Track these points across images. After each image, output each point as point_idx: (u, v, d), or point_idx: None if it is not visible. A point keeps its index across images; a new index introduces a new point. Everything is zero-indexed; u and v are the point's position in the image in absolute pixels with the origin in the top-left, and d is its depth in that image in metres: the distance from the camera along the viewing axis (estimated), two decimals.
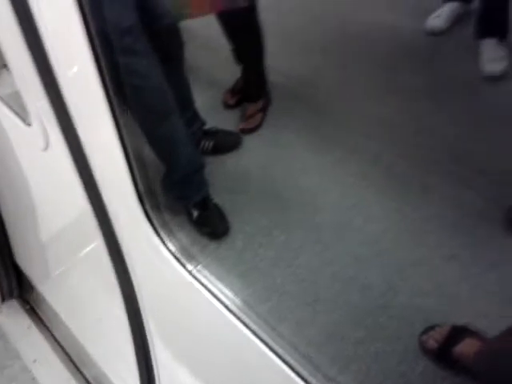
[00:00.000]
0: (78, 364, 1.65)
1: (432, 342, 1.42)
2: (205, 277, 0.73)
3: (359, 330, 1.51)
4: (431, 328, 1.44)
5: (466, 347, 1.35)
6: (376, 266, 1.65)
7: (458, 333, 1.39)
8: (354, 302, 1.57)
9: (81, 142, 0.77)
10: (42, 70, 0.72)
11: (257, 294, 1.58)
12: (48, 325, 1.77)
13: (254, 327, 0.69)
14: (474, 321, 1.43)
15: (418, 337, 1.44)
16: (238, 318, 0.70)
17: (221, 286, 0.72)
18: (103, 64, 0.64)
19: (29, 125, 0.94)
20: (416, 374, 1.41)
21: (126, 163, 0.72)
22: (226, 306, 0.71)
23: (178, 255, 0.75)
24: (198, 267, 0.74)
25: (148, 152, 1.67)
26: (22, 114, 0.98)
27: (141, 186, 0.74)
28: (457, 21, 2.38)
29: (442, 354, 1.39)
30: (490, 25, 2.18)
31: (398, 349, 1.46)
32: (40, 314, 1.81)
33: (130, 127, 0.74)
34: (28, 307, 1.83)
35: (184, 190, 1.78)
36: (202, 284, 0.73)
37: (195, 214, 1.78)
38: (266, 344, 0.69)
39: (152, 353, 1.13)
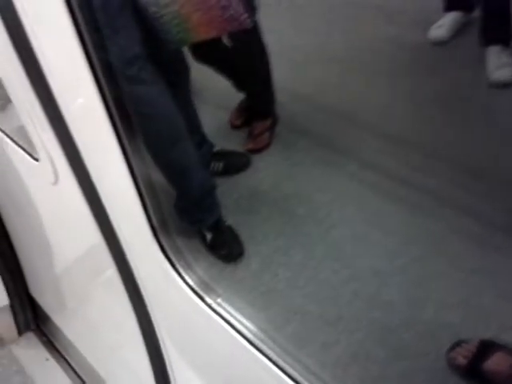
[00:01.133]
0: None
1: (461, 359, 1.37)
2: (224, 309, 0.71)
3: (385, 348, 1.47)
4: (458, 344, 1.40)
5: (496, 363, 1.31)
6: (397, 281, 1.61)
7: (487, 348, 1.34)
8: (378, 319, 1.53)
9: (90, 174, 0.75)
10: (46, 104, 0.70)
11: (278, 317, 1.55)
12: (66, 356, 1.75)
13: (276, 359, 0.66)
14: (500, 333, 1.39)
15: (445, 353, 1.40)
16: (260, 351, 0.67)
17: (241, 318, 0.69)
18: (108, 94, 0.62)
19: (37, 160, 0.93)
20: None
21: (137, 195, 0.70)
22: (248, 339, 0.68)
23: (196, 288, 0.72)
24: (218, 300, 0.72)
25: (157, 178, 1.65)
26: (29, 149, 0.97)
27: (154, 218, 0.72)
28: (460, 30, 2.36)
29: (472, 371, 1.35)
30: (493, 32, 2.16)
31: (426, 366, 1.41)
32: (57, 345, 1.79)
33: (140, 156, 0.72)
34: (45, 339, 1.81)
35: (197, 213, 1.76)
36: (222, 317, 0.70)
37: (209, 237, 1.76)
38: (289, 376, 0.66)
39: (173, 382, 1.10)
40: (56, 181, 0.92)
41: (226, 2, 1.40)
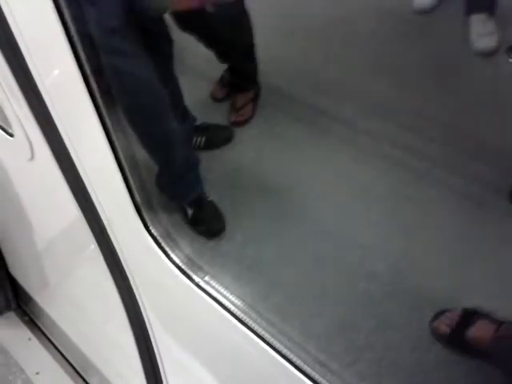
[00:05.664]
0: (82, 373, 1.62)
1: (444, 327, 1.39)
2: (212, 287, 0.69)
3: (369, 319, 1.48)
4: (442, 313, 1.42)
5: (478, 330, 1.33)
6: (381, 252, 1.62)
7: (470, 316, 1.36)
8: (362, 290, 1.55)
9: (67, 149, 0.72)
10: (20, 78, 0.66)
11: (263, 290, 1.55)
12: (49, 335, 1.73)
13: (264, 334, 0.65)
14: (484, 302, 1.41)
15: (429, 322, 1.41)
16: (247, 326, 0.66)
17: (228, 294, 0.68)
18: (86, 66, 0.59)
19: (12, 135, 0.89)
20: (430, 360, 1.39)
21: (118, 170, 0.67)
22: (235, 315, 0.67)
23: (183, 267, 0.71)
24: (206, 278, 0.70)
25: (139, 151, 1.62)
26: (4, 124, 0.93)
27: (137, 194, 0.70)
28: None
29: (455, 339, 1.37)
30: (478, 0, 2.14)
31: (410, 336, 1.43)
32: (40, 324, 1.77)
33: (121, 130, 0.69)
34: (27, 318, 1.79)
35: (179, 188, 1.74)
36: (210, 295, 0.68)
37: (190, 212, 1.74)
38: (279, 352, 0.65)
39: (158, 357, 1.09)
40: (32, 157, 0.88)
41: None
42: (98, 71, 0.61)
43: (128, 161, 0.67)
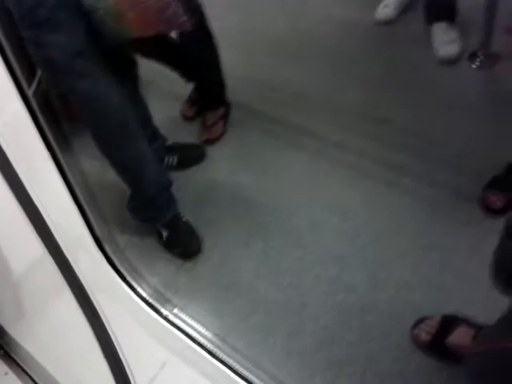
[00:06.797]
0: None
1: (424, 335, 1.39)
2: (181, 320, 0.67)
3: (349, 332, 1.47)
4: (421, 321, 1.42)
5: (458, 336, 1.33)
6: (358, 264, 1.62)
7: (449, 322, 1.37)
8: (341, 303, 1.54)
9: (26, 189, 0.70)
10: None
11: (242, 310, 1.53)
12: (26, 369, 1.68)
13: (236, 366, 0.64)
14: (462, 308, 1.42)
15: (409, 331, 1.41)
16: (219, 359, 0.65)
17: (199, 327, 0.67)
18: (34, 105, 0.58)
19: None
20: (412, 369, 1.39)
21: (75, 207, 0.65)
22: (206, 348, 0.65)
23: (150, 300, 0.69)
24: (174, 311, 0.68)
25: (108, 178, 1.60)
26: None
27: (96, 228, 0.68)
28: (406, 8, 2.37)
29: (436, 346, 1.37)
30: (438, 9, 2.18)
31: (391, 346, 1.43)
32: (16, 358, 1.72)
33: (75, 166, 0.68)
34: (2, 353, 1.74)
35: (152, 211, 1.71)
36: (179, 328, 0.67)
37: (165, 234, 1.71)
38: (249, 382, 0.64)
39: None
40: None
41: (164, 3, 1.34)
42: (48, 106, 0.60)
43: (85, 195, 0.66)
